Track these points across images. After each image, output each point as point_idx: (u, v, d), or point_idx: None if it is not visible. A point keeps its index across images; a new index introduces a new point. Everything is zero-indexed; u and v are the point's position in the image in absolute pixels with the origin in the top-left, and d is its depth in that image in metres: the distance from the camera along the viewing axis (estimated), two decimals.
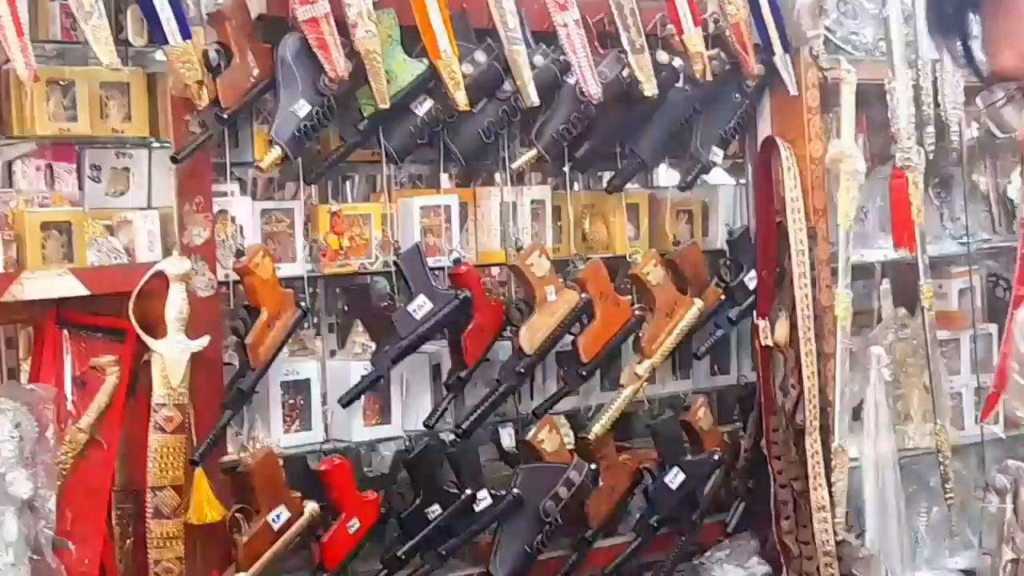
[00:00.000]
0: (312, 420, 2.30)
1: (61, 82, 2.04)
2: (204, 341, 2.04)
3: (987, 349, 3.06)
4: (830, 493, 2.70)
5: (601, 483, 2.51)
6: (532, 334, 2.39)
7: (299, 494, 2.19)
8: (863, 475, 2.76)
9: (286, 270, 2.24)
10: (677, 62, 2.55)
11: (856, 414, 2.78)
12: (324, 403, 2.32)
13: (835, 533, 2.70)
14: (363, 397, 2.30)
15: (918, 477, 2.94)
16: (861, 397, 2.78)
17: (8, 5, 1.83)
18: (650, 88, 2.47)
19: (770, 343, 2.72)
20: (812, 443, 2.70)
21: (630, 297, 2.56)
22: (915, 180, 2.81)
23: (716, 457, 2.67)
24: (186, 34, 2.01)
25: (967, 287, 3.10)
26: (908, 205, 2.82)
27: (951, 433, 2.92)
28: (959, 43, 1.13)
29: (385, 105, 2.24)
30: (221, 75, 2.13)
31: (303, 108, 2.19)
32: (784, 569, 2.77)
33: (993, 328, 3.08)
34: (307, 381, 2.30)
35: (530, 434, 2.46)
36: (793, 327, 2.71)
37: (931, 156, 2.87)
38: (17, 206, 2.02)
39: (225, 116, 2.13)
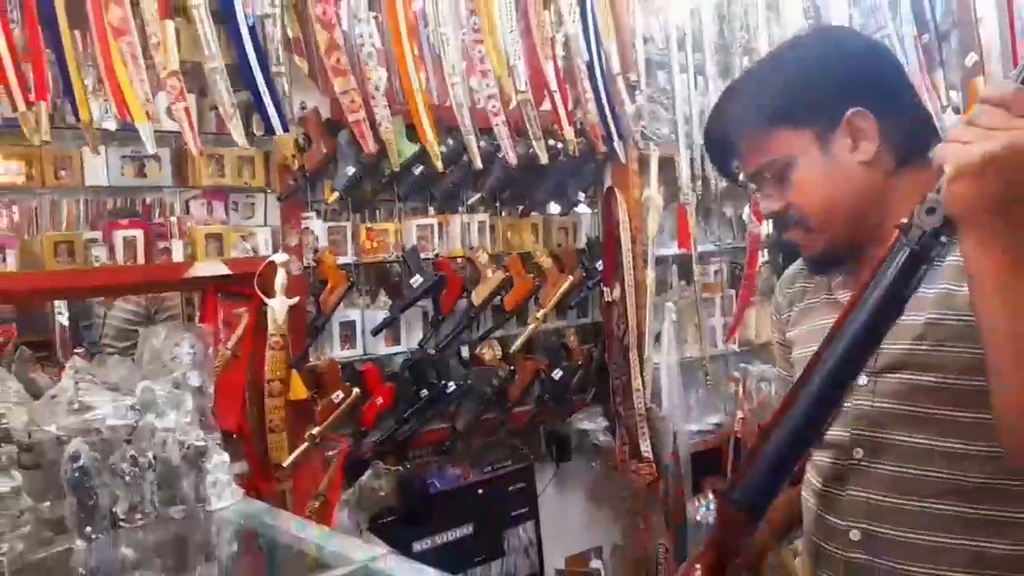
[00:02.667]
0: (356, 342, 2.33)
1: (215, 156, 2.05)
2: (296, 299, 2.07)
3: (729, 305, 3.09)
4: (642, 383, 2.75)
5: (517, 378, 2.55)
6: (479, 295, 2.45)
7: (349, 384, 2.23)
8: (660, 372, 2.80)
9: (342, 260, 2.26)
10: (560, 145, 2.58)
11: (657, 338, 2.81)
12: (363, 333, 2.34)
13: (645, 404, 2.75)
14: (385, 330, 2.33)
15: (692, 372, 2.95)
16: (660, 329, 2.82)
17: (185, 113, 1.88)
18: (544, 159, 2.50)
19: (610, 299, 2.77)
20: (633, 355, 2.75)
21: (533, 275, 2.58)
22: (691, 210, 2.86)
23: (580, 363, 2.71)
24: (285, 129, 2.04)
25: (719, 269, 3.15)
26: (687, 224, 2.88)
27: (710, 349, 2.98)
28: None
29: (397, 169, 2.27)
30: (305, 152, 2.16)
31: (351, 170, 2.22)
32: (616, 424, 2.79)
33: (731, 292, 3.11)
34: (353, 321, 2.32)
35: (478, 350, 2.50)
36: (623, 291, 2.75)
37: (700, 196, 2.90)
38: (192, 226, 2.05)
39: (307, 176, 2.17)
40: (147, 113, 1.84)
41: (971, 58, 3.00)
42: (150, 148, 1.86)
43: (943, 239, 0.85)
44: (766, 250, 3.03)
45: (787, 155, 1.06)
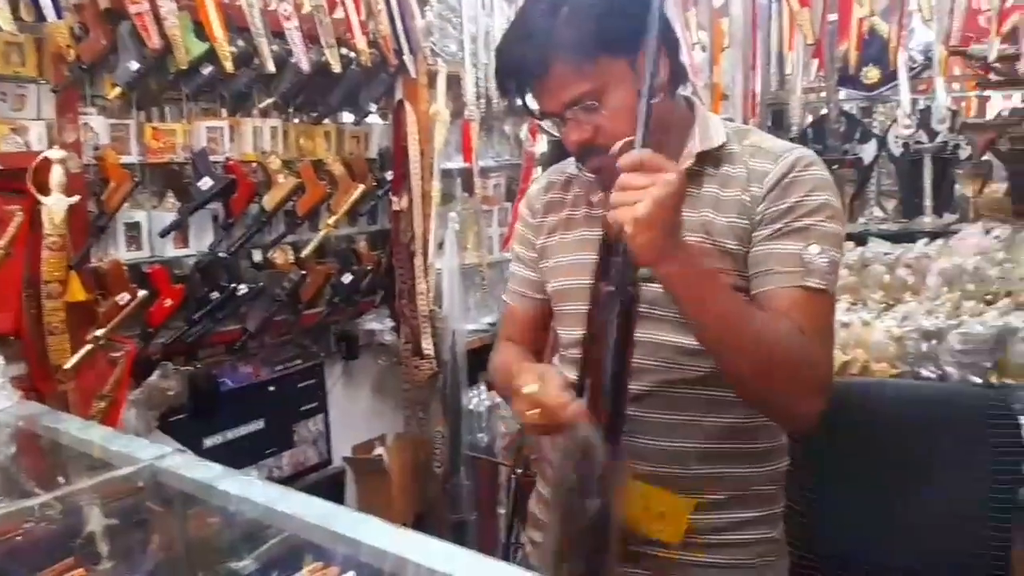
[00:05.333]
0: (143, 244, 2.14)
1: None
2: (76, 198, 1.89)
3: (506, 216, 3.14)
4: (426, 286, 2.77)
5: (308, 281, 2.48)
6: (271, 199, 2.34)
7: (135, 286, 2.07)
8: (443, 277, 2.83)
9: (126, 159, 2.07)
10: (352, 54, 2.48)
11: (440, 246, 2.83)
12: (150, 235, 2.15)
13: (428, 306, 2.78)
14: (173, 232, 2.17)
15: (471, 276, 2.99)
16: (443, 237, 2.84)
17: None
18: (337, 68, 2.41)
19: (399, 208, 2.74)
20: (418, 260, 2.75)
21: (325, 182, 2.49)
22: (474, 127, 2.88)
23: (369, 268, 2.68)
24: (59, 15, 1.82)
25: (498, 183, 3.20)
26: (471, 139, 2.89)
27: (487, 256, 3.04)
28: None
29: (184, 67, 2.09)
30: (82, 42, 1.93)
31: (134, 65, 2.02)
32: (400, 324, 2.81)
33: (508, 205, 3.17)
34: (139, 222, 2.13)
35: (269, 254, 2.41)
36: (410, 200, 2.73)
37: (483, 114, 2.91)
38: None
39: (84, 67, 1.94)
40: None
41: (719, 0, 3.20)
42: None
43: (641, 284, 0.96)
44: (540, 167, 3.12)
45: (606, 83, 1.03)
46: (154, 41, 2.01)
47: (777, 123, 3.45)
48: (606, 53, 1.02)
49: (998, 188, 3.48)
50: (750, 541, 1.18)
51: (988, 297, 2.24)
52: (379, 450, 2.87)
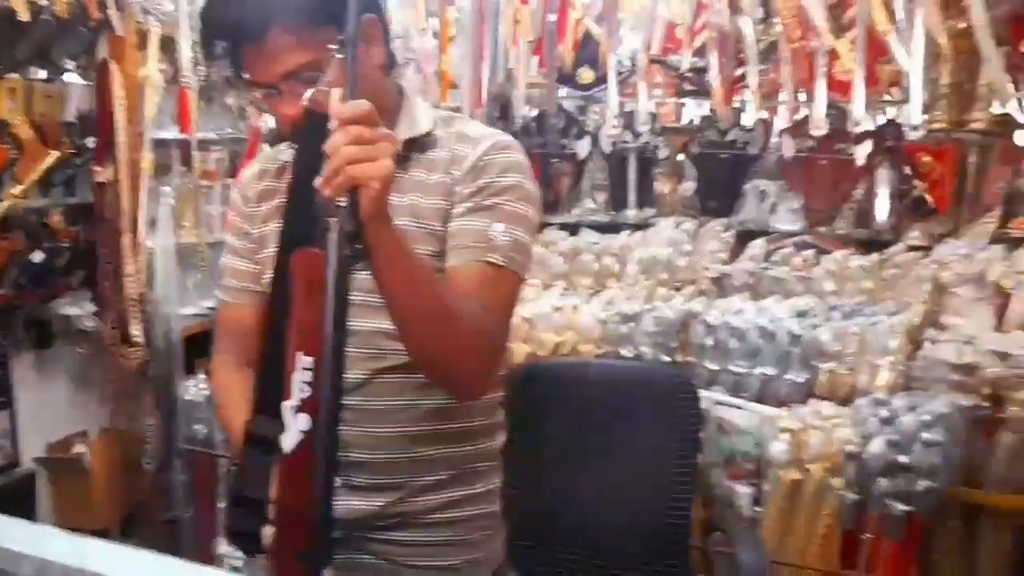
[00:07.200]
0: None
1: None
2: None
3: (228, 194, 2.77)
4: (135, 267, 2.50)
5: None
6: None
7: None
8: (155, 257, 2.59)
9: None
10: (44, 3, 2.15)
11: (153, 223, 2.56)
12: None
13: (138, 289, 2.52)
14: None
15: (189, 257, 2.77)
16: (156, 214, 2.57)
17: None
18: (24, 15, 2.09)
19: (103, 180, 2.45)
20: (126, 238, 2.48)
21: (9, 146, 2.18)
22: (192, 95, 2.61)
23: (66, 245, 2.43)
24: None
25: (221, 158, 2.93)
26: (188, 108, 2.64)
27: (207, 235, 2.81)
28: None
29: None
30: None
31: None
32: (105, 308, 2.53)
33: (230, 181, 2.87)
34: None
35: None
36: (117, 171, 2.45)
37: (203, 82, 2.65)
38: None
39: None
40: None
41: None
42: None
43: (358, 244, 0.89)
44: (267, 144, 2.97)
45: (327, 56, 0.98)
46: None
47: (504, 115, 3.60)
48: (328, 22, 0.96)
49: (689, 187, 3.93)
50: (469, 517, 1.22)
51: (677, 284, 2.53)
52: (79, 447, 2.62)
